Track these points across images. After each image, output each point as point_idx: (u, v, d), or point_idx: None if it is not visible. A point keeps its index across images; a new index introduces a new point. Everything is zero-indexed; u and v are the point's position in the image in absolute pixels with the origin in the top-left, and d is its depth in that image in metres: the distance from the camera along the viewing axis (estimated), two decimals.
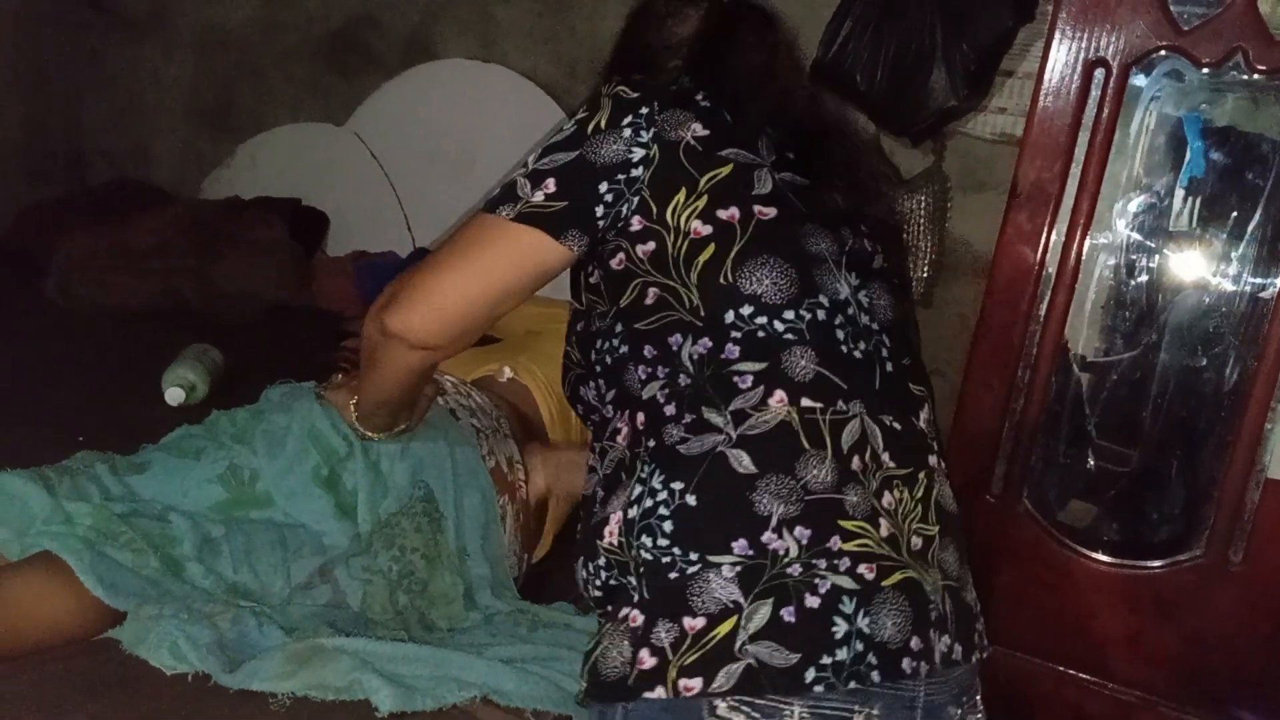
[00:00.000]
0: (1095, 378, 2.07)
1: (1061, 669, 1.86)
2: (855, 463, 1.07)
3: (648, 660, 1.01)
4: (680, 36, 1.33)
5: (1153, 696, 1.80)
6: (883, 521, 1.06)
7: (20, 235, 2.77)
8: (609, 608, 1.08)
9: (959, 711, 1.10)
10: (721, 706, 1.00)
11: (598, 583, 1.10)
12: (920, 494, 1.11)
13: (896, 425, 1.12)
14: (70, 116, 3.20)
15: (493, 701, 1.25)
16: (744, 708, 1.00)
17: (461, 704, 1.23)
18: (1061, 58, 1.72)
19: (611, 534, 1.08)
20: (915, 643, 1.03)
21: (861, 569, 1.03)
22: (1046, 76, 1.73)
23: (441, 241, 1.24)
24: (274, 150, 3.00)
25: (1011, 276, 1.80)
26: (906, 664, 1.02)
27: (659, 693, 1.00)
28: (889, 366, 1.15)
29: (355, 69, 2.93)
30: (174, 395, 1.95)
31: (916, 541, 1.09)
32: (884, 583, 1.03)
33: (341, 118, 2.92)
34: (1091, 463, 2.05)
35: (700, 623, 1.01)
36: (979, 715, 1.15)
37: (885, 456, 1.09)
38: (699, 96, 1.18)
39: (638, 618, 1.03)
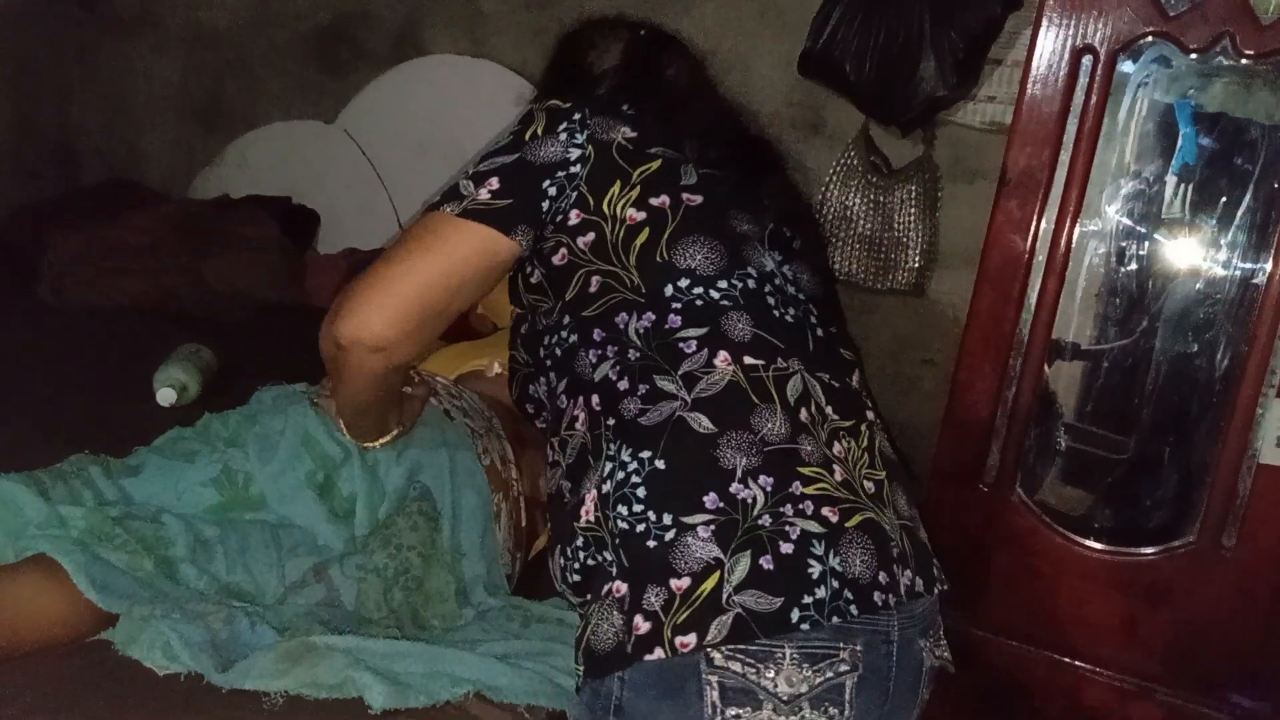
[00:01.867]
0: (1088, 365, 2.07)
1: (1057, 656, 1.86)
2: (803, 415, 1.14)
3: (643, 625, 1.05)
4: (605, 67, 1.44)
5: (1149, 683, 1.81)
6: (836, 468, 1.13)
7: (12, 235, 2.76)
8: (588, 594, 1.12)
9: (926, 644, 1.16)
10: (718, 657, 1.04)
11: (576, 566, 1.13)
12: (865, 444, 1.19)
13: (834, 383, 1.20)
14: (61, 115, 3.19)
15: (486, 697, 1.25)
16: (739, 655, 1.04)
17: (454, 700, 1.23)
18: (1049, 45, 1.72)
19: (588, 512, 1.12)
20: (883, 577, 1.10)
21: (825, 511, 1.09)
22: (1034, 64, 1.73)
23: (387, 247, 1.27)
24: (264, 148, 2.99)
25: (1002, 265, 1.80)
26: (878, 597, 1.08)
27: (658, 654, 1.04)
28: (819, 332, 1.24)
29: (345, 65, 2.92)
30: (166, 395, 1.95)
31: (869, 486, 1.15)
32: (847, 524, 1.10)
33: (331, 114, 2.92)
34: (1085, 450, 2.06)
35: (686, 582, 1.05)
36: (943, 646, 1.21)
37: (829, 410, 1.17)
38: (625, 107, 1.28)
39: (621, 588, 1.07)
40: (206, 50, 3.07)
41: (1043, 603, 1.85)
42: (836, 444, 1.15)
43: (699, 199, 1.22)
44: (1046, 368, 1.90)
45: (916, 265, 2.28)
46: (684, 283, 1.18)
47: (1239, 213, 1.86)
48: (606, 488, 1.11)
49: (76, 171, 3.22)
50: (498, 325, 2.09)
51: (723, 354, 1.15)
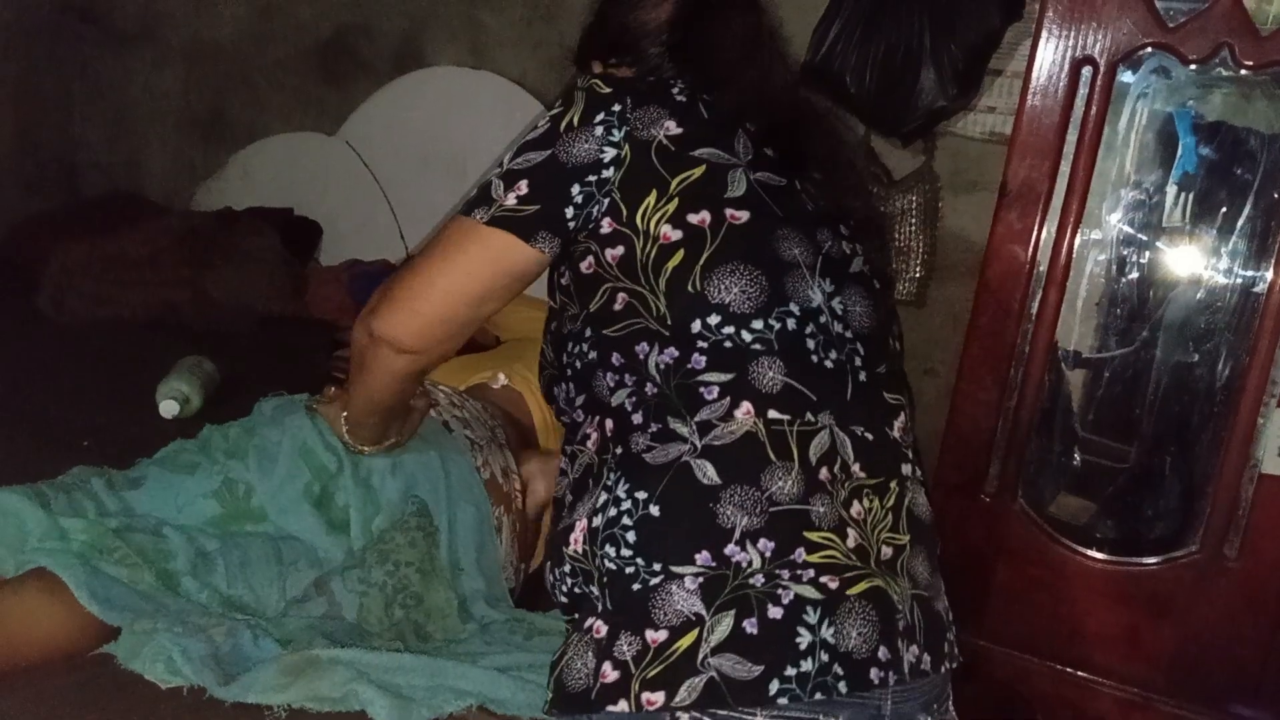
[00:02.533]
0: (1089, 375, 2.07)
1: (1059, 667, 1.86)
2: (823, 474, 1.06)
3: (610, 674, 1.01)
4: (659, 21, 1.29)
5: (1151, 694, 1.81)
6: (850, 532, 1.06)
7: (13, 248, 2.76)
8: (575, 615, 1.09)
9: (927, 719, 1.09)
10: (684, 718, 0.99)
11: (564, 588, 1.11)
12: (891, 503, 1.10)
13: (868, 435, 1.11)
14: (62, 129, 3.20)
15: (489, 710, 1.25)
16: (705, 718, 0.99)
17: (457, 713, 1.22)
18: (1048, 56, 1.73)
19: (576, 541, 1.08)
20: (883, 653, 1.02)
21: (825, 579, 1.02)
22: (1034, 75, 1.74)
23: (424, 243, 1.26)
24: (266, 160, 2.99)
25: (1003, 275, 1.81)
26: (874, 674, 1.01)
27: (621, 706, 1.00)
28: (862, 376, 1.13)
29: (346, 78, 2.93)
30: (168, 408, 1.95)
31: (886, 551, 1.08)
32: (849, 592, 1.03)
33: (333, 127, 2.93)
34: (1086, 460, 2.06)
35: (663, 635, 1.00)
36: (950, 718, 1.14)
37: (855, 467, 1.08)
38: (675, 90, 1.17)
39: (601, 629, 1.04)
40: (208, 64, 3.08)
41: (1045, 613, 1.85)
42: (856, 504, 1.07)
43: (745, 215, 1.11)
44: (1050, 377, 1.91)
45: (917, 275, 2.29)
46: (714, 320, 1.09)
47: (1239, 222, 1.86)
48: (597, 521, 1.07)
49: (78, 185, 3.23)
50: (500, 338, 2.09)
51: (746, 405, 1.06)
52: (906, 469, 1.15)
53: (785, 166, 1.18)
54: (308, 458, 1.46)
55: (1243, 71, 1.65)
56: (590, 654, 1.03)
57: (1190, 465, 1.91)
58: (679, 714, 0.99)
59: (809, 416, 1.07)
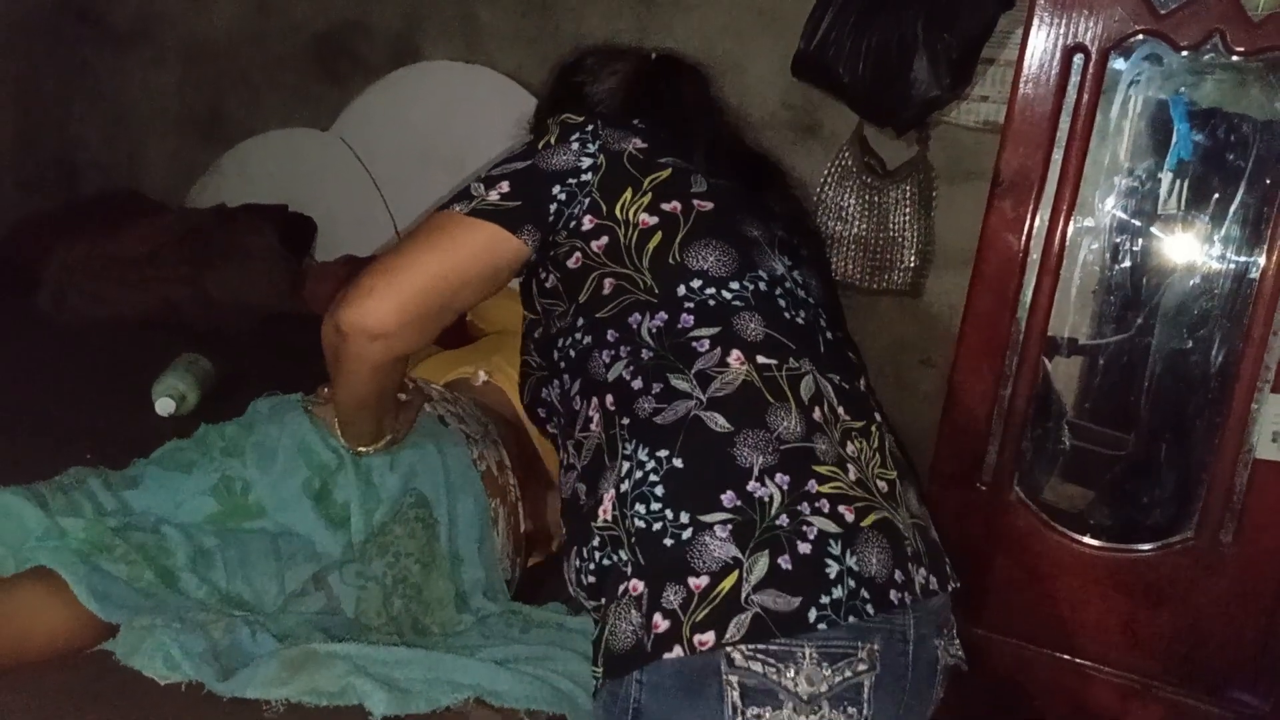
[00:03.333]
0: (1085, 362, 2.07)
1: (1058, 655, 1.87)
2: (817, 414, 1.16)
3: (661, 623, 1.05)
4: (612, 89, 1.48)
5: (1150, 680, 1.81)
6: (850, 467, 1.14)
7: (12, 247, 2.77)
8: (603, 596, 1.11)
9: (941, 642, 1.17)
10: (738, 657, 1.04)
11: (591, 567, 1.13)
12: (876, 444, 1.20)
13: (844, 384, 1.22)
14: (61, 128, 3.20)
15: (486, 702, 1.26)
16: (759, 655, 1.04)
17: (455, 705, 1.23)
18: (1040, 44, 1.73)
19: (605, 511, 1.13)
20: (899, 575, 1.10)
21: (841, 510, 1.10)
22: (1026, 64, 1.74)
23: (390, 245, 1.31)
24: (261, 156, 2.99)
25: (997, 264, 1.81)
26: (894, 595, 1.09)
27: (677, 652, 1.04)
28: (828, 335, 1.26)
29: (342, 74, 2.93)
30: (164, 405, 1.96)
31: (882, 485, 1.17)
32: (862, 523, 1.10)
33: (328, 123, 2.93)
34: (1083, 448, 2.06)
35: (704, 581, 1.05)
36: (956, 644, 1.21)
37: (841, 410, 1.18)
38: (636, 122, 1.32)
39: (638, 586, 1.08)
40: (204, 62, 3.08)
41: (1043, 601, 1.86)
42: (849, 443, 1.16)
43: (709, 205, 1.25)
44: (1047, 363, 1.91)
45: (912, 265, 2.29)
46: (696, 283, 1.20)
47: (1232, 208, 1.86)
48: (625, 486, 1.12)
49: (76, 183, 3.24)
50: (485, 330, 2.09)
51: (735, 352, 1.16)
52: (878, 417, 1.25)
53: (735, 178, 1.34)
54: (307, 455, 1.47)
55: (1234, 58, 1.66)
56: (633, 612, 1.07)
57: (1185, 452, 1.91)
58: (732, 653, 1.04)
59: (792, 362, 1.18)
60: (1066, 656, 1.86)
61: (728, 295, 1.20)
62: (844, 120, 2.33)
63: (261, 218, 2.80)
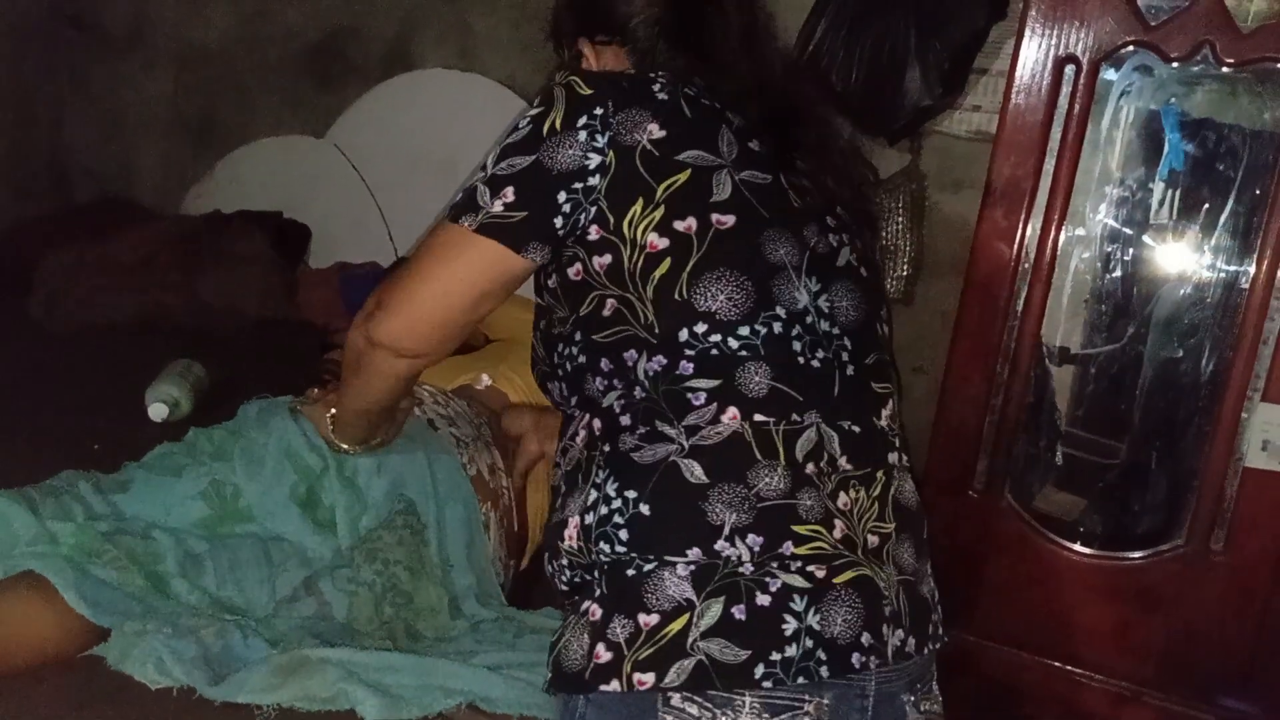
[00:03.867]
0: (1077, 371, 2.09)
1: (1049, 662, 1.87)
2: (810, 469, 1.08)
3: (603, 654, 1.04)
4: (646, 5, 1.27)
5: (1141, 687, 1.82)
6: (837, 523, 1.08)
7: (4, 254, 2.76)
8: (575, 598, 1.12)
9: (912, 698, 1.11)
10: (675, 698, 1.03)
11: (564, 577, 1.14)
12: (878, 492, 1.13)
13: (855, 428, 1.13)
14: (53, 134, 3.20)
15: (479, 708, 1.25)
16: (697, 698, 1.02)
17: (447, 711, 1.23)
18: (1032, 55, 1.74)
19: (570, 537, 1.11)
20: (866, 638, 1.05)
21: (812, 568, 1.05)
22: (1018, 74, 1.75)
23: (416, 246, 1.27)
24: (255, 163, 2.99)
25: (989, 273, 1.82)
26: (856, 659, 1.04)
27: (614, 685, 1.03)
28: (849, 370, 1.15)
29: (335, 81, 2.93)
30: (157, 411, 1.95)
31: (873, 540, 1.10)
32: (836, 580, 1.05)
33: (322, 129, 2.93)
34: (1074, 455, 2.07)
35: (654, 619, 1.03)
36: (932, 700, 1.16)
37: (842, 460, 1.11)
38: (656, 87, 1.15)
39: (596, 611, 1.07)
40: (197, 68, 3.08)
41: (1034, 609, 1.86)
42: (843, 495, 1.09)
43: (731, 219, 1.11)
44: (1042, 370, 1.92)
45: (905, 274, 2.30)
46: (701, 328, 1.09)
47: (1223, 218, 1.87)
48: (589, 519, 1.09)
49: (69, 190, 3.23)
50: (490, 337, 2.10)
51: (731, 410, 1.08)
52: (893, 457, 1.17)
53: (771, 161, 1.17)
54: (293, 459, 1.46)
55: (1224, 69, 1.67)
56: (585, 635, 1.07)
57: (1176, 459, 1.92)
58: (669, 694, 1.03)
59: (794, 417, 1.09)
60: (1058, 664, 1.86)
61: (734, 344, 1.09)
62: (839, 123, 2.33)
63: (255, 224, 2.80)
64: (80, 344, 2.35)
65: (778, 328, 1.11)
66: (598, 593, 1.08)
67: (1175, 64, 1.69)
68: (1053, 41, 1.72)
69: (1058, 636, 1.86)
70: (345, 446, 1.46)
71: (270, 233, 2.76)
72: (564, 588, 1.15)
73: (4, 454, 1.69)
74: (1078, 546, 1.82)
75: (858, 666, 1.04)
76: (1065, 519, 1.99)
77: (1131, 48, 1.70)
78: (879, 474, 1.13)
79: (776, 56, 1.33)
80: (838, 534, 1.07)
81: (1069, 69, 1.72)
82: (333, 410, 1.45)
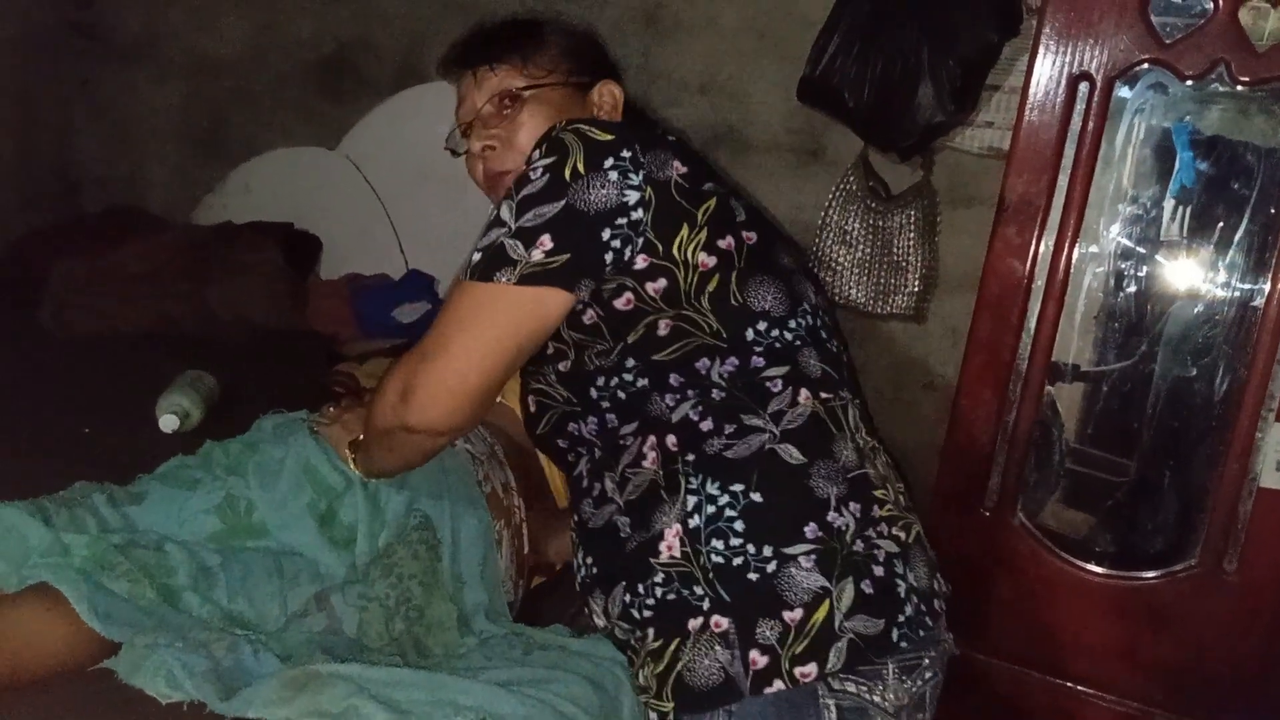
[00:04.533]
0: (1088, 388, 2.08)
1: (1058, 681, 1.87)
2: (860, 440, 1.20)
3: (760, 660, 1.08)
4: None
5: (1151, 708, 1.81)
6: (889, 486, 1.20)
7: (15, 263, 2.77)
8: (651, 629, 1.13)
9: (950, 635, 1.23)
10: (834, 681, 1.09)
11: (650, 602, 1.13)
12: (884, 458, 1.26)
13: (858, 402, 1.26)
14: (63, 144, 3.21)
15: None
16: (853, 677, 1.09)
17: None
18: (1046, 72, 1.74)
19: (670, 548, 1.12)
20: (936, 584, 1.19)
21: (895, 530, 1.16)
22: (1031, 91, 1.75)
23: (438, 320, 1.20)
24: (267, 174, 3.00)
25: (1001, 290, 1.82)
26: (937, 604, 1.17)
27: (777, 686, 1.07)
28: (845, 357, 1.29)
29: (347, 93, 2.94)
30: (168, 422, 1.95)
31: (903, 499, 1.23)
32: (909, 539, 1.17)
33: (334, 141, 2.93)
34: (1086, 473, 2.06)
35: (798, 614, 1.08)
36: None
37: (864, 431, 1.23)
38: (659, 132, 1.24)
39: (722, 622, 1.09)
40: (209, 79, 3.09)
41: (1044, 627, 1.86)
42: (879, 460, 1.22)
43: (754, 236, 1.21)
44: (1049, 391, 1.91)
45: (916, 290, 2.29)
46: (762, 325, 1.18)
47: (1237, 236, 1.87)
48: (694, 522, 1.11)
49: (79, 200, 3.24)
50: None
51: (804, 391, 1.17)
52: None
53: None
54: (313, 476, 1.46)
55: (1239, 88, 1.67)
56: (719, 648, 1.09)
57: (1189, 479, 1.92)
58: (829, 679, 1.08)
59: (841, 393, 1.21)
60: (1067, 683, 1.86)
61: (789, 335, 1.19)
62: (847, 144, 2.34)
63: (265, 234, 2.80)
64: (90, 353, 2.35)
65: (809, 320, 1.23)
66: (708, 604, 1.10)
67: (1190, 82, 1.69)
68: (1067, 59, 1.72)
69: (1068, 655, 1.85)
70: (371, 477, 1.45)
71: (281, 243, 2.76)
72: (646, 614, 1.14)
73: (16, 464, 1.69)
74: (1090, 565, 1.82)
75: (939, 611, 1.17)
76: (1073, 536, 1.99)
77: (1146, 66, 1.70)
78: (877, 443, 1.26)
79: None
80: (893, 495, 1.19)
81: (1083, 86, 1.72)
82: (356, 440, 1.43)
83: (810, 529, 1.11)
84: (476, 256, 1.15)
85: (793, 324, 1.20)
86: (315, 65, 2.97)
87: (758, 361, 1.17)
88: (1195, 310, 1.94)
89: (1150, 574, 1.79)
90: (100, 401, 2.08)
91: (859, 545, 1.12)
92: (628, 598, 1.15)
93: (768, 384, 1.16)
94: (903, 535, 1.16)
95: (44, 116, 3.13)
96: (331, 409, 1.57)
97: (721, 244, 1.17)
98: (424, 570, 1.44)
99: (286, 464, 1.45)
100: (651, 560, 1.12)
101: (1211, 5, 1.63)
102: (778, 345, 1.18)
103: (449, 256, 2.78)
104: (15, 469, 1.66)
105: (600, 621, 1.21)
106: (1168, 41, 1.67)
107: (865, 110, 2.14)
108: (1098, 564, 1.82)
